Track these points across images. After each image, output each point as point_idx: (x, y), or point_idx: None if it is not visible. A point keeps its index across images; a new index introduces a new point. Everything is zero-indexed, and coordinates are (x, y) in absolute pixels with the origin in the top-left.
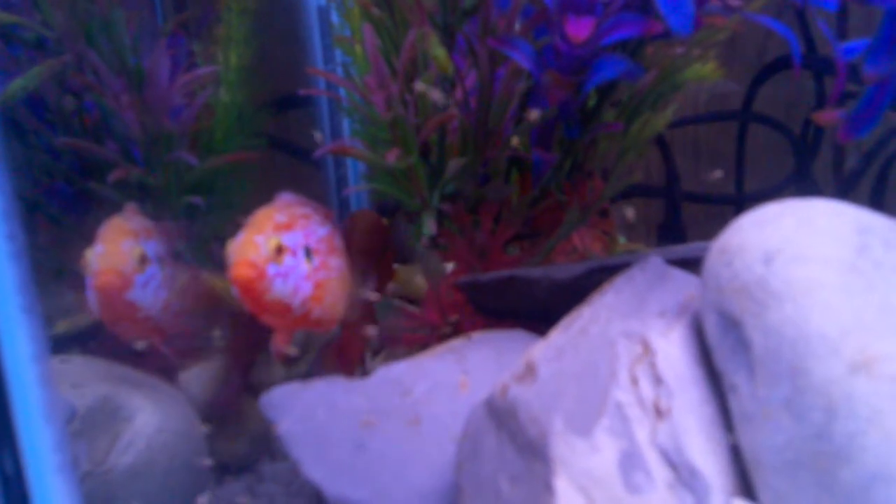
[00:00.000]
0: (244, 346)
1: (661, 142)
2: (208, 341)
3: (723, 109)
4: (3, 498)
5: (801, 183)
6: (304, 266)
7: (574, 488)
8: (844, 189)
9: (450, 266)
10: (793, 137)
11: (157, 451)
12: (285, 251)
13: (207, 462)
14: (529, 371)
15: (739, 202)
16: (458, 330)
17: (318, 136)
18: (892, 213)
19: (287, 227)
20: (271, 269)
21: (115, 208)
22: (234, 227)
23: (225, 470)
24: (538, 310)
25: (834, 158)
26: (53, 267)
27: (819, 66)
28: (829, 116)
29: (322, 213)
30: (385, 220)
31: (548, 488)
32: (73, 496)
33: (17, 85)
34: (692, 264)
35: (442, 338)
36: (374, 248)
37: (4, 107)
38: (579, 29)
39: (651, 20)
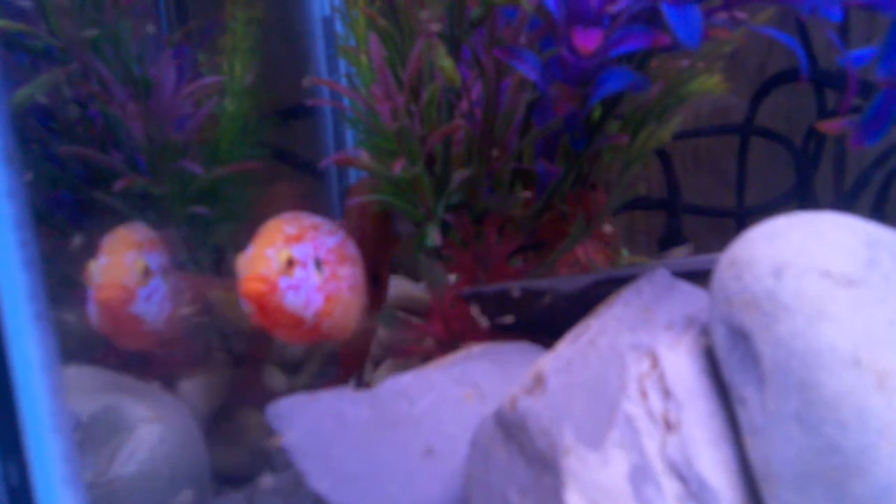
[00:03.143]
0: (258, 355)
1: (662, 154)
2: (210, 352)
3: (725, 122)
4: None
5: (803, 196)
6: (315, 278)
7: (584, 500)
8: (845, 203)
9: (453, 277)
10: (795, 151)
11: (160, 461)
12: (296, 264)
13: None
14: (538, 383)
15: (740, 215)
16: (462, 342)
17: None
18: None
19: (297, 238)
20: (283, 283)
21: (117, 218)
22: (238, 238)
23: (224, 481)
24: (543, 321)
25: (834, 172)
26: (57, 276)
27: (820, 80)
28: (833, 125)
29: (332, 222)
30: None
31: (558, 501)
32: None
33: (25, 93)
34: (697, 277)
35: (446, 349)
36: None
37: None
38: (587, 40)
39: (658, 32)
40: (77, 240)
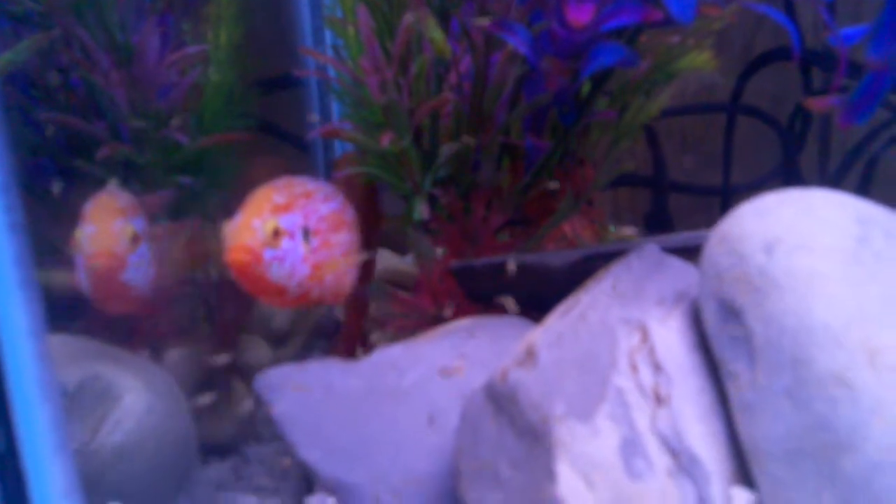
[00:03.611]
0: (230, 321)
1: (648, 131)
2: (195, 319)
3: (711, 101)
4: None
5: (788, 175)
6: (302, 248)
7: (575, 473)
8: (830, 183)
9: (440, 251)
10: (780, 130)
11: (147, 431)
12: (283, 234)
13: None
14: (530, 356)
15: (726, 193)
16: (449, 315)
17: (313, 117)
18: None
19: (285, 208)
20: (268, 254)
21: (97, 185)
22: (227, 206)
23: (211, 451)
24: (531, 296)
25: (819, 152)
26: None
27: (807, 59)
28: (821, 103)
29: (328, 188)
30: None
31: (549, 473)
32: (70, 476)
33: (5, 59)
34: (686, 253)
35: (434, 322)
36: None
37: None
38: (580, 14)
39: (651, 7)
40: (57, 187)
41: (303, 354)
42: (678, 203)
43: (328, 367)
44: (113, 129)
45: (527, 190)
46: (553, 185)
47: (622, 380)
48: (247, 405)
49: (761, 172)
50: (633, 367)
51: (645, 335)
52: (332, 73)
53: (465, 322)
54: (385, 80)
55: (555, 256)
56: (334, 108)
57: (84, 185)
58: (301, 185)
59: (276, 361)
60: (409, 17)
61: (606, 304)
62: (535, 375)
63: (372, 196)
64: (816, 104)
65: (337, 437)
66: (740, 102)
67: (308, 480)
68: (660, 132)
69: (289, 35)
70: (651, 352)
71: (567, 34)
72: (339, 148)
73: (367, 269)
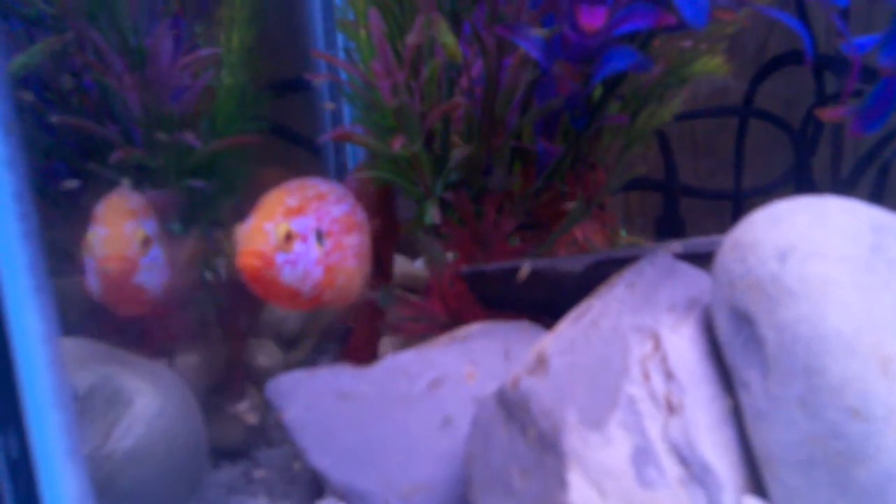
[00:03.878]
0: (239, 325)
1: (659, 135)
2: (206, 326)
3: (723, 104)
4: (9, 483)
5: (800, 180)
6: (315, 251)
7: (587, 482)
8: (843, 188)
9: (451, 256)
10: (793, 134)
11: (157, 435)
12: (295, 238)
13: None
14: (541, 363)
15: (737, 198)
16: (460, 320)
17: (328, 105)
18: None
19: (298, 211)
20: (280, 258)
21: (109, 188)
22: (240, 210)
23: (221, 455)
24: (542, 301)
25: (832, 157)
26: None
27: (820, 64)
28: (832, 113)
29: (340, 189)
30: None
31: (561, 482)
32: (82, 482)
33: (19, 62)
34: (698, 259)
35: (445, 327)
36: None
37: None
38: (592, 18)
39: (663, 11)
40: (69, 189)
41: (314, 358)
42: (690, 207)
43: (339, 373)
44: (126, 132)
45: (538, 194)
46: (564, 189)
47: (634, 388)
48: (257, 408)
49: (773, 176)
50: (646, 375)
51: (657, 343)
52: (343, 76)
53: (475, 327)
54: (397, 84)
55: (566, 262)
56: (346, 111)
57: (96, 187)
58: (313, 187)
59: (287, 365)
60: (419, 25)
61: (618, 311)
62: (546, 383)
63: (388, 201)
64: (828, 114)
65: (347, 444)
66: (752, 106)
67: (318, 485)
68: (671, 136)
69: (301, 38)
70: (663, 360)
71: (579, 38)
72: (350, 151)
73: (384, 273)
